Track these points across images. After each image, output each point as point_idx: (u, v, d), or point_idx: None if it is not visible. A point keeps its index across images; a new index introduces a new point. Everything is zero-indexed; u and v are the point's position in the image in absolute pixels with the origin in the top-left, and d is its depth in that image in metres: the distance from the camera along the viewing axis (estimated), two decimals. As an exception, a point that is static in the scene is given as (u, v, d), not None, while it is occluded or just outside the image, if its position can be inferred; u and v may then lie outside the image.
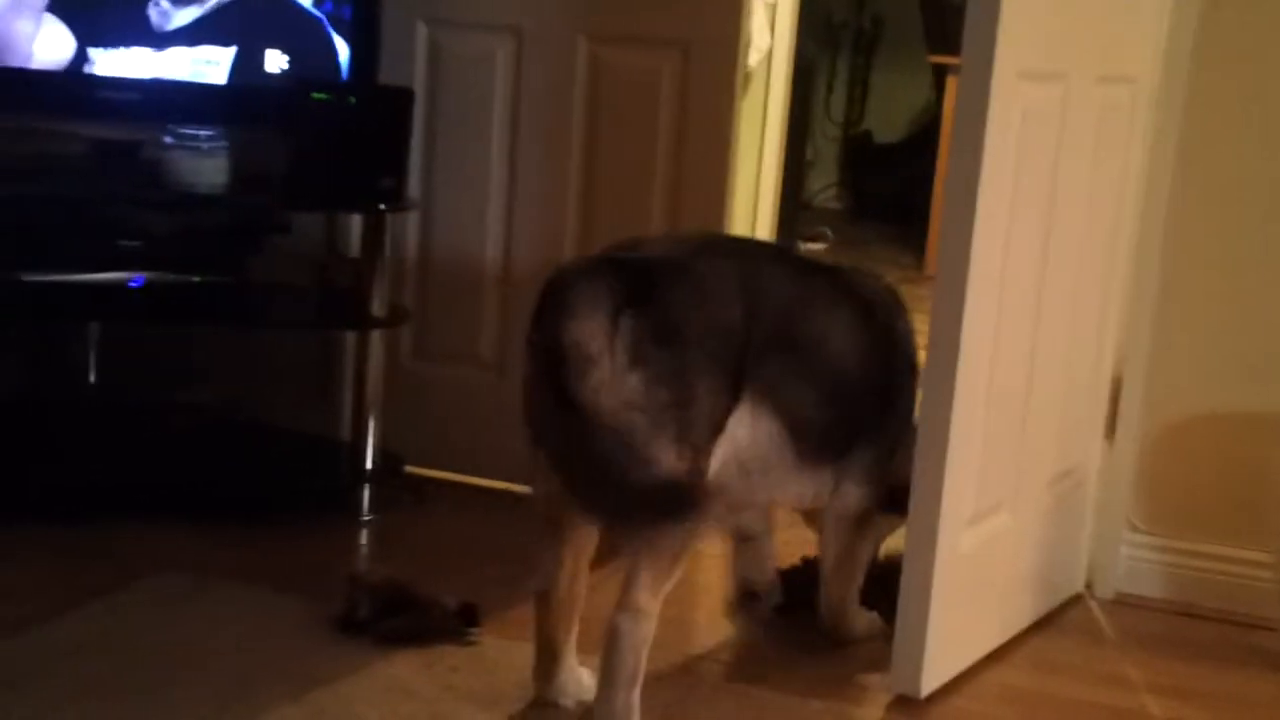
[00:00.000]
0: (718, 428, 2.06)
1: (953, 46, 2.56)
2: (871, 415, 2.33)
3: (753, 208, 4.33)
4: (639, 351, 1.96)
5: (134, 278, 2.85)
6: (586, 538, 2.14)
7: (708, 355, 2.02)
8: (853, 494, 2.35)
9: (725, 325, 2.05)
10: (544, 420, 2.02)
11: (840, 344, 2.25)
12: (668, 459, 1.98)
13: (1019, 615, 2.59)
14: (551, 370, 1.95)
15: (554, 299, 1.99)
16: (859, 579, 2.45)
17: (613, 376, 1.94)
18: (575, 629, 2.16)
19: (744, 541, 2.54)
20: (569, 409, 1.94)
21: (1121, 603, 2.78)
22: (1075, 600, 2.78)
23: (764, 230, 4.33)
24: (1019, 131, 2.24)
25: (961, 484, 2.26)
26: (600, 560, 2.17)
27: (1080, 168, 2.49)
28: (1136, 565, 2.79)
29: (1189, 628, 2.69)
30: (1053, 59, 2.33)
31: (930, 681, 2.29)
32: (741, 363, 2.07)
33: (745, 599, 2.57)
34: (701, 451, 2.03)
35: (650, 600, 2.00)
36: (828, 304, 2.27)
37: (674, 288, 2.02)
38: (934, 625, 2.26)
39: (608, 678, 2.01)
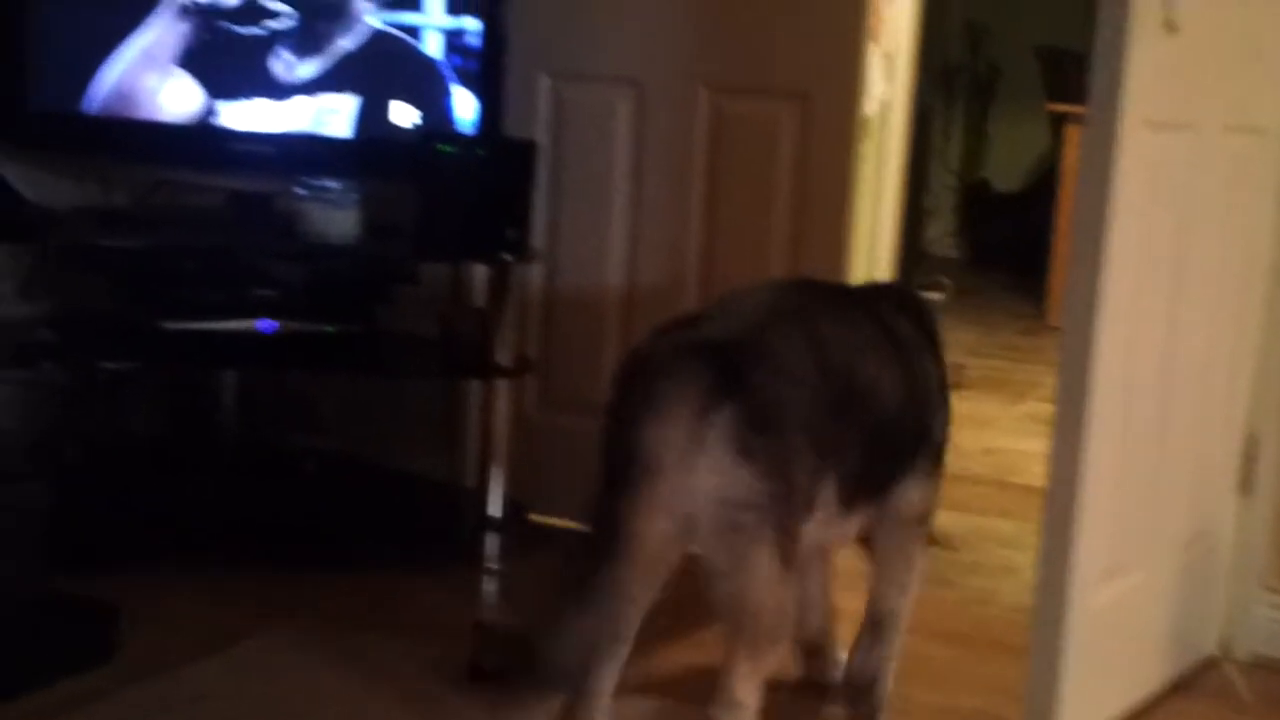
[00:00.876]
0: (813, 505, 1.98)
1: (1071, 95, 2.53)
2: (918, 433, 2.23)
3: (870, 256, 4.31)
4: (744, 445, 1.85)
5: (268, 325, 2.91)
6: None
7: (803, 435, 1.93)
8: (912, 497, 2.24)
9: (809, 400, 1.96)
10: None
11: (890, 389, 2.13)
12: (771, 556, 1.88)
13: (1151, 677, 2.53)
14: (621, 463, 1.87)
15: (639, 389, 1.89)
16: (911, 598, 2.31)
17: (677, 491, 1.85)
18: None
19: (811, 655, 2.42)
20: (617, 502, 1.86)
21: (1259, 666, 2.70)
22: (1209, 663, 2.70)
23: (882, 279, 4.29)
24: (1146, 182, 2.21)
25: (1093, 539, 2.22)
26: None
27: (1210, 218, 2.44)
28: (1275, 627, 2.71)
29: (1331, 692, 2.61)
30: (1180, 109, 2.30)
31: (1061, 743, 2.25)
32: (824, 433, 1.98)
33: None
34: (797, 537, 1.93)
35: (748, 692, 1.88)
36: (876, 347, 2.16)
37: (760, 370, 1.91)
38: (1065, 685, 2.21)
39: None
